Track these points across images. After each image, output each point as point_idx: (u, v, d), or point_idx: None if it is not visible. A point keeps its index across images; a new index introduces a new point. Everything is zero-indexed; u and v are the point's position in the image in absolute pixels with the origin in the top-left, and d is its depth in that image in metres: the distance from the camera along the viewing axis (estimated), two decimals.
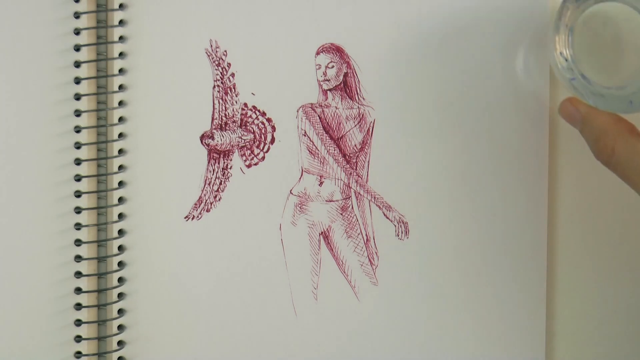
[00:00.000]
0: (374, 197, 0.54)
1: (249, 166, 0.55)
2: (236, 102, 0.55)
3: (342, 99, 0.54)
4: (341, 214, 0.54)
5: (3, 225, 0.55)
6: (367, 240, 0.54)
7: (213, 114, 0.55)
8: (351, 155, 0.54)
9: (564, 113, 0.49)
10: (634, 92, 0.48)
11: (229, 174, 0.55)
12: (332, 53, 0.54)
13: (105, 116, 0.55)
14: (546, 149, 0.53)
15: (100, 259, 0.55)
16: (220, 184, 0.55)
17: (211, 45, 0.55)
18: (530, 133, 0.53)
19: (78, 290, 0.55)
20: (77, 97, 0.55)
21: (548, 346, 0.54)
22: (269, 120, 0.54)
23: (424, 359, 0.54)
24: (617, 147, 0.45)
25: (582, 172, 0.53)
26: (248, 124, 0.55)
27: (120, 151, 0.55)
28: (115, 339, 0.55)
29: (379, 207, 0.54)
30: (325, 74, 0.54)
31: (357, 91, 0.54)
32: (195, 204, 0.55)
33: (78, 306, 0.55)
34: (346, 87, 0.54)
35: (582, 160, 0.53)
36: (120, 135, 0.55)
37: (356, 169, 0.54)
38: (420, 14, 0.53)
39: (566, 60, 0.49)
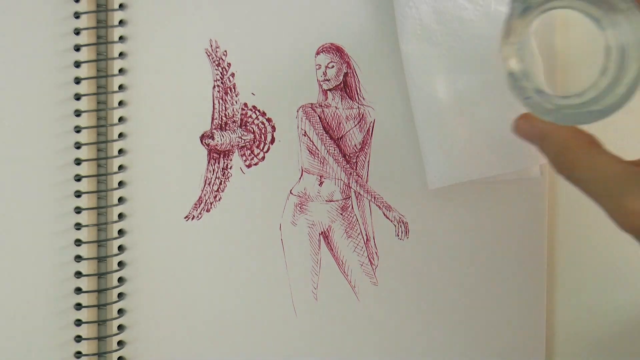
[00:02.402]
0: (374, 197, 0.54)
1: (249, 166, 0.55)
2: (236, 102, 0.55)
3: (342, 98, 0.54)
4: (341, 214, 0.54)
5: (3, 225, 0.55)
6: (367, 240, 0.54)
7: (213, 114, 0.55)
8: (351, 155, 0.54)
9: (521, 132, 0.47)
10: (592, 99, 0.46)
11: (229, 174, 0.55)
12: (332, 53, 0.54)
13: (105, 116, 0.55)
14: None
15: (100, 259, 0.55)
16: (220, 184, 0.55)
17: (211, 45, 0.55)
18: None
19: (78, 290, 0.55)
20: (77, 97, 0.55)
21: (548, 346, 0.54)
22: (269, 120, 0.54)
23: (423, 359, 0.54)
24: (577, 161, 0.44)
25: None
26: (248, 124, 0.55)
27: (121, 151, 0.55)
28: (115, 339, 0.55)
29: (379, 207, 0.54)
30: (325, 73, 0.54)
31: (357, 91, 0.54)
32: (195, 204, 0.55)
33: (78, 306, 0.55)
34: (346, 87, 0.54)
35: None
36: (121, 135, 0.55)
37: (356, 169, 0.54)
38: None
39: (518, 80, 0.46)
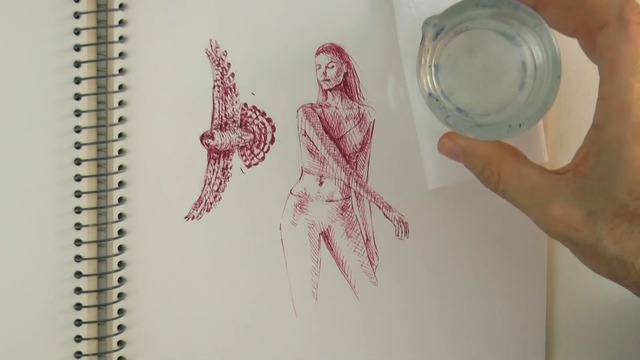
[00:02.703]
0: (374, 197, 0.54)
1: (249, 166, 0.55)
2: (236, 102, 0.55)
3: (342, 98, 0.54)
4: (341, 214, 0.54)
5: (3, 225, 0.55)
6: (367, 240, 0.54)
7: (213, 114, 0.55)
8: (351, 155, 0.54)
9: (445, 150, 0.48)
10: (512, 115, 0.48)
11: (229, 174, 0.55)
12: (332, 53, 0.54)
13: (105, 116, 0.55)
14: (545, 147, 0.53)
15: (100, 259, 0.55)
16: (220, 184, 0.55)
17: (211, 45, 0.55)
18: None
19: (78, 290, 0.55)
20: (77, 97, 0.55)
21: (548, 345, 0.54)
22: (269, 120, 0.54)
23: (423, 359, 0.54)
24: (502, 173, 0.45)
25: None
26: (248, 124, 0.55)
27: (121, 151, 0.55)
28: (116, 339, 0.55)
29: (379, 207, 0.54)
30: (325, 73, 0.54)
31: (357, 91, 0.54)
32: (196, 204, 0.55)
33: (78, 306, 0.55)
34: (346, 87, 0.54)
35: None
36: (121, 135, 0.55)
37: (356, 168, 0.54)
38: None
39: (437, 100, 0.48)
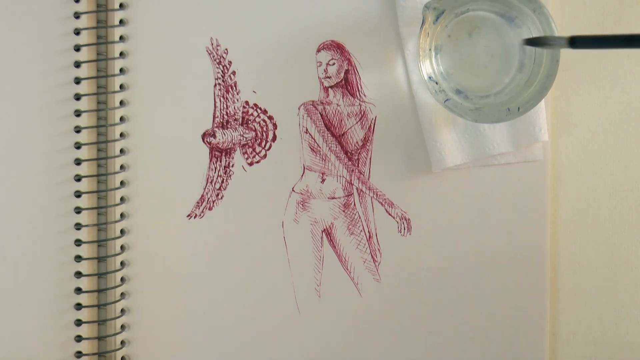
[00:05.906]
0: (376, 194, 0.54)
1: (250, 164, 0.54)
2: (237, 100, 0.55)
3: (343, 96, 0.54)
4: (343, 211, 0.54)
5: (3, 226, 0.54)
6: (369, 237, 0.54)
7: (214, 113, 0.55)
8: (353, 152, 0.54)
9: None
10: (511, 97, 0.49)
11: (231, 172, 0.55)
12: (333, 50, 0.54)
13: (105, 116, 0.55)
14: (548, 145, 0.53)
15: (101, 259, 0.55)
16: (223, 182, 0.54)
17: (212, 44, 0.55)
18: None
19: (78, 290, 0.55)
20: (77, 97, 0.55)
21: (551, 345, 0.54)
22: (270, 117, 0.54)
23: (426, 356, 0.54)
24: None
25: (584, 172, 0.54)
26: (249, 122, 0.55)
27: (122, 151, 0.55)
28: (119, 337, 0.54)
29: (381, 204, 0.54)
30: (326, 71, 0.54)
31: (358, 88, 0.54)
32: (198, 203, 0.54)
33: (78, 306, 0.54)
34: (347, 84, 0.54)
35: (584, 160, 0.54)
36: (122, 134, 0.55)
37: (358, 165, 0.54)
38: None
39: (436, 83, 0.49)
